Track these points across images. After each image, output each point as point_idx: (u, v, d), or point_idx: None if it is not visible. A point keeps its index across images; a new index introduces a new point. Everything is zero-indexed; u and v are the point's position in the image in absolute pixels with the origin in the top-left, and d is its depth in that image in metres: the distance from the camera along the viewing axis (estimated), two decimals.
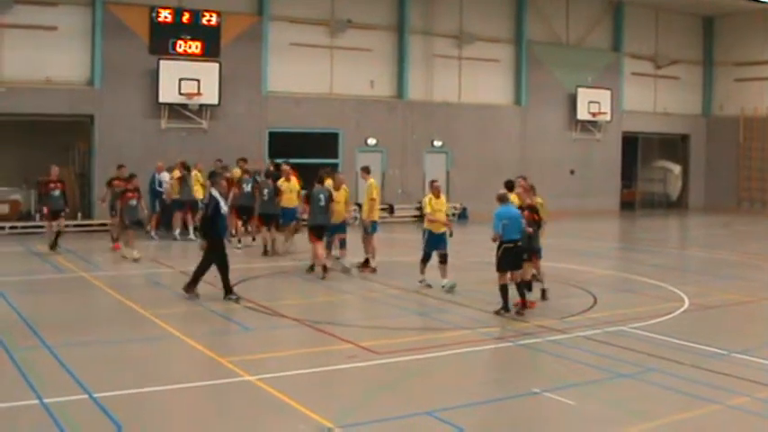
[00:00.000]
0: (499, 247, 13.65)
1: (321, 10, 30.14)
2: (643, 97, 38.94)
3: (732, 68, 39.82)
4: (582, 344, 11.85)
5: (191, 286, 14.64)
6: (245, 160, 24.08)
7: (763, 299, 16.17)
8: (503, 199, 14.01)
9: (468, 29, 33.23)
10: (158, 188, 24.44)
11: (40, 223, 25.44)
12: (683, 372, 10.29)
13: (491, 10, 34.00)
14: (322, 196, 17.62)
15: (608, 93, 36.40)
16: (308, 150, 28.85)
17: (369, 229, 18.07)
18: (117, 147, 25.83)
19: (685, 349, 11.48)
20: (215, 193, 14.87)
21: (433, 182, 16.71)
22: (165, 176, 24.26)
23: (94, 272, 17.80)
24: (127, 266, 18.76)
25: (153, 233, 23.64)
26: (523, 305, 13.74)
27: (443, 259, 15.92)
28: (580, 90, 35.71)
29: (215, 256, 14.55)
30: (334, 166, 29.32)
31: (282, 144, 28.59)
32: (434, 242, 15.91)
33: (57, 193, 20.45)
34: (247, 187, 21.41)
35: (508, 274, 13.67)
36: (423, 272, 16.15)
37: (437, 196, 16.14)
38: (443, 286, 15.75)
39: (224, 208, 14.96)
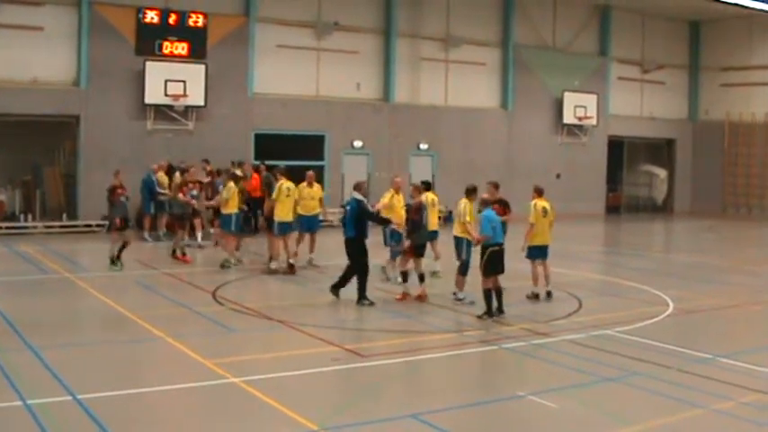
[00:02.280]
0: (484, 252, 13.66)
1: (308, 12, 30.11)
2: (629, 102, 39.12)
3: (718, 73, 40.06)
4: (566, 347, 11.87)
5: (362, 297, 14.63)
6: (207, 161, 24.06)
7: (748, 303, 16.21)
8: (486, 203, 14.09)
9: (455, 32, 33.28)
10: (159, 190, 23.55)
11: (25, 224, 25.39)
12: (667, 376, 10.31)
13: (478, 13, 34.03)
14: None
15: (594, 97, 36.53)
16: (294, 152, 28.79)
17: (276, 231, 17.86)
18: (103, 148, 25.78)
19: (670, 353, 11.52)
20: (359, 196, 14.90)
21: (476, 187, 15.23)
22: (164, 179, 23.92)
23: (79, 273, 17.70)
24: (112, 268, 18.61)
25: (146, 235, 23.47)
26: (500, 311, 13.66)
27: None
28: (566, 94, 35.82)
29: (361, 255, 14.71)
30: (320, 168, 29.43)
31: (268, 146, 28.52)
32: (471, 251, 14.73)
33: (123, 199, 18.56)
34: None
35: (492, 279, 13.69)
36: (462, 287, 14.96)
37: (471, 201, 14.99)
38: (462, 299, 14.92)
39: (370, 209, 15.12)
